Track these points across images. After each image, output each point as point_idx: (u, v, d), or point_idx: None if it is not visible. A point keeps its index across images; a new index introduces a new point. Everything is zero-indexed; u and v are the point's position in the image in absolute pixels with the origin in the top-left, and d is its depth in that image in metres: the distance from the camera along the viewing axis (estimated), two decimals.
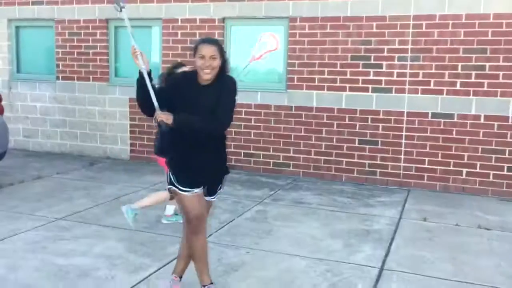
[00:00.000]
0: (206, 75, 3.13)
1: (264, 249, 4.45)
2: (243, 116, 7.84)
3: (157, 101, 3.11)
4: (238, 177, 7.44)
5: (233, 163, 7.99)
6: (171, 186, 3.27)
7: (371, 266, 4.09)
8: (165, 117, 3.05)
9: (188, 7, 8.00)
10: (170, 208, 5.17)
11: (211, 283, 3.41)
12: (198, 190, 3.22)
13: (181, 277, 3.56)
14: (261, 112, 7.65)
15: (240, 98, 8.35)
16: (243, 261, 4.16)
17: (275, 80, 7.78)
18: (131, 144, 8.69)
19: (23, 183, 6.70)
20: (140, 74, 3.12)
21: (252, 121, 7.78)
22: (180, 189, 3.20)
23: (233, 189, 6.70)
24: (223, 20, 7.86)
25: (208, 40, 3.24)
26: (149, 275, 3.83)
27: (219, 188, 3.44)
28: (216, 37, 7.89)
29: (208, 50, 3.09)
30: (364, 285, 3.73)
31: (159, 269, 3.95)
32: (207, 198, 3.36)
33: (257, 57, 5.01)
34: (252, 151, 7.83)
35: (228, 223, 5.21)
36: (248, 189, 6.70)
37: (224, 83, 3.23)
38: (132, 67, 8.51)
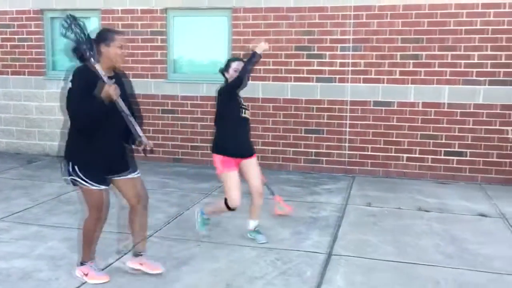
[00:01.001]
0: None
1: (214, 241, 4.43)
2: (188, 108, 7.76)
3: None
4: (185, 170, 7.37)
5: (180, 156, 7.91)
6: None
7: (319, 252, 4.18)
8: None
9: None
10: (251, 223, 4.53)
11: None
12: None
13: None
14: (207, 104, 7.59)
15: (185, 90, 8.31)
16: (193, 254, 4.12)
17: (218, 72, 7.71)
18: None
19: None
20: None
21: (198, 113, 7.71)
22: None
23: (180, 182, 6.63)
24: (165, 10, 7.71)
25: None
26: None
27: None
28: (159, 28, 7.75)
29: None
30: (313, 271, 3.80)
31: (105, 267, 3.84)
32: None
33: None
34: (198, 144, 7.76)
35: (176, 217, 5.15)
36: (196, 182, 6.64)
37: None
38: (68, 59, 8.21)
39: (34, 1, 8.12)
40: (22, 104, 8.45)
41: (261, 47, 4.10)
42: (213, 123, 4.40)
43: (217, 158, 4.17)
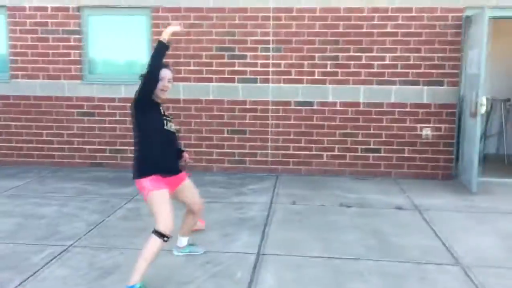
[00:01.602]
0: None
1: (139, 247, 4.25)
2: (107, 110, 7.45)
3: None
4: (105, 174, 7.07)
5: (98, 160, 7.57)
6: None
7: (249, 253, 4.19)
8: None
9: None
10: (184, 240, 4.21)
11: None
12: None
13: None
14: (126, 106, 7.33)
15: (103, 92, 7.97)
16: (118, 263, 3.96)
17: (138, 72, 7.49)
18: None
19: None
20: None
21: (117, 116, 7.43)
22: None
23: (99, 188, 6.35)
24: (78, 9, 7.34)
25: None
26: None
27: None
28: (71, 27, 7.37)
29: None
30: (243, 272, 3.80)
31: (23, 281, 3.57)
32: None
33: None
34: (118, 147, 7.48)
35: (97, 224, 4.92)
36: (117, 187, 6.39)
37: None
38: None
39: None
40: None
41: (166, 32, 3.44)
42: (131, 125, 3.96)
43: (143, 181, 3.47)
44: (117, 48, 7.54)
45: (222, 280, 3.65)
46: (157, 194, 3.44)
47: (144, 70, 3.43)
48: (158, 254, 3.42)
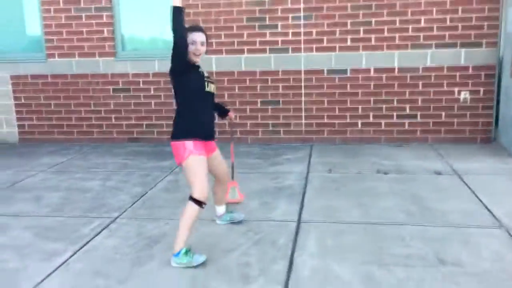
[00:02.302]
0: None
1: None
2: (141, 86, 7.58)
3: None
4: (143, 149, 7.24)
5: (135, 135, 7.75)
6: None
7: (289, 221, 4.27)
8: None
9: None
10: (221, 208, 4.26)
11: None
12: None
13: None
14: (160, 81, 7.44)
15: (136, 68, 8.08)
16: (164, 232, 4.10)
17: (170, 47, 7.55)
18: (19, 126, 8.01)
19: None
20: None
21: (152, 91, 7.55)
22: None
23: (139, 162, 6.52)
24: None
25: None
26: (66, 260, 3.62)
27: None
28: (103, 4, 7.45)
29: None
30: (285, 238, 3.88)
31: (75, 252, 3.75)
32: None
33: None
34: (154, 122, 7.62)
35: (141, 196, 5.08)
36: (156, 160, 6.54)
37: None
38: (10, 39, 7.77)
39: None
40: None
41: None
42: (169, 100, 4.00)
43: (185, 143, 3.46)
44: (148, 24, 7.60)
45: (265, 247, 3.74)
46: (197, 158, 3.45)
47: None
48: (197, 220, 3.50)
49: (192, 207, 3.45)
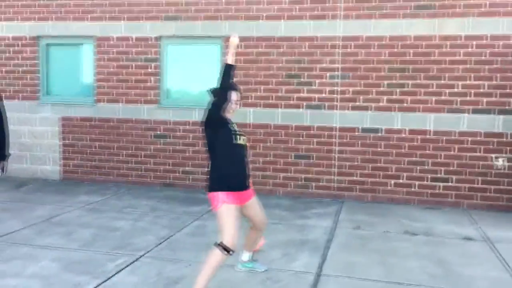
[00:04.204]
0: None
1: (202, 261, 4.47)
2: (180, 133, 7.88)
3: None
4: (176, 194, 7.43)
5: (171, 180, 7.98)
6: None
7: (308, 272, 4.25)
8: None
9: (124, 26, 8.00)
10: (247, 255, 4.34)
11: None
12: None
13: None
14: (198, 129, 7.72)
15: (177, 116, 8.39)
16: (184, 275, 4.17)
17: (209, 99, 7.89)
18: (64, 164, 8.43)
19: None
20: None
21: (190, 138, 7.83)
22: None
23: (171, 206, 6.69)
24: (159, 38, 7.92)
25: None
26: None
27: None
28: (152, 55, 7.94)
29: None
30: None
31: (98, 285, 3.88)
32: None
33: None
34: (189, 168, 7.85)
35: (167, 238, 5.20)
36: (187, 205, 6.70)
37: None
38: (63, 84, 8.35)
39: (31, 27, 8.32)
40: (14, 129, 8.53)
41: (229, 53, 3.74)
42: (203, 148, 4.17)
43: (212, 195, 3.66)
44: (191, 76, 8.01)
45: None
46: (228, 207, 3.59)
47: (213, 88, 3.72)
48: (220, 268, 3.57)
49: (218, 253, 3.53)
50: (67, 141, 8.37)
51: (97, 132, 8.24)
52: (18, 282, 3.91)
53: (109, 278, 4.03)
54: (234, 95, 3.78)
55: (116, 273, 4.15)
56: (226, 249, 3.52)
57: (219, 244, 3.54)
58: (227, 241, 3.53)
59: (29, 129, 8.49)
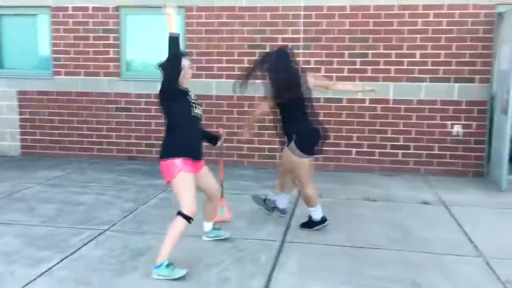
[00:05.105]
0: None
1: None
2: (143, 106, 7.78)
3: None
4: (140, 167, 7.38)
5: (134, 154, 7.90)
6: None
7: (273, 240, 4.35)
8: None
9: None
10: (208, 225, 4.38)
11: None
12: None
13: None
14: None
15: (139, 88, 8.24)
16: (149, 246, 4.19)
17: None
18: (22, 140, 8.19)
19: None
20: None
21: (152, 111, 7.73)
22: None
23: (135, 179, 6.65)
24: (117, 8, 7.69)
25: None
26: (52, 267, 3.72)
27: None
28: (111, 26, 7.72)
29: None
30: (267, 257, 3.96)
31: (62, 260, 3.85)
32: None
33: None
34: (153, 141, 7.77)
35: (132, 211, 5.19)
36: (151, 178, 6.66)
37: None
38: (19, 57, 8.04)
39: None
40: None
41: (169, 24, 3.57)
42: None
43: (174, 161, 3.61)
44: (152, 46, 7.85)
45: (246, 264, 3.83)
46: (186, 176, 3.60)
47: (162, 61, 3.62)
48: (182, 236, 3.61)
49: (180, 222, 3.58)
50: (24, 116, 8.12)
51: (56, 106, 8.02)
52: None
53: (73, 253, 4.01)
54: (185, 61, 3.73)
55: (80, 247, 4.13)
56: (186, 217, 3.57)
57: (178, 213, 3.58)
58: (187, 210, 3.58)
59: None
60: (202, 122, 3.91)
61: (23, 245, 4.18)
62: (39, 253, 3.99)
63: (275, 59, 4.47)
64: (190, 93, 3.82)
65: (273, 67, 4.43)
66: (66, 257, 3.91)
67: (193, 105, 3.77)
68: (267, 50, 5.12)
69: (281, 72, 4.40)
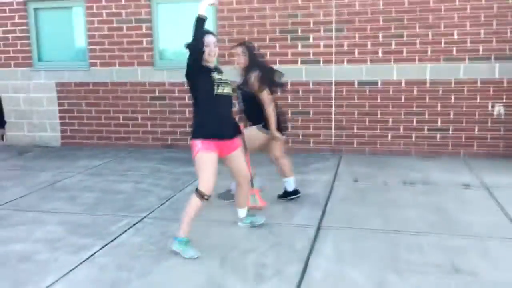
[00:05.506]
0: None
1: (207, 219, 4.56)
2: (176, 94, 7.85)
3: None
4: (176, 155, 7.48)
5: (170, 142, 8.01)
6: None
7: (309, 226, 4.34)
8: None
9: None
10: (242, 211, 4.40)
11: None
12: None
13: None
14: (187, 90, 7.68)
15: (172, 77, 8.33)
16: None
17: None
18: (62, 130, 8.43)
19: None
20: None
21: (186, 99, 7.79)
22: None
23: (171, 167, 6.74)
24: None
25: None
26: (93, 254, 3.83)
27: None
28: (143, 16, 7.79)
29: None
30: (303, 242, 3.96)
31: (103, 247, 3.96)
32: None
33: None
34: (188, 129, 7.85)
35: (169, 198, 5.28)
36: (187, 166, 6.74)
37: None
38: (56, 50, 8.23)
39: None
40: (9, 96, 8.48)
41: (200, 7, 3.65)
42: None
43: (196, 142, 3.75)
44: (185, 35, 7.84)
45: (283, 250, 3.83)
46: (204, 155, 3.72)
47: (187, 42, 3.68)
48: (199, 212, 3.77)
49: (196, 199, 3.74)
50: (63, 107, 8.35)
51: (93, 97, 8.20)
52: (24, 247, 3.99)
53: (113, 240, 4.12)
54: (210, 38, 3.76)
55: (120, 234, 4.23)
56: (202, 195, 3.69)
57: (196, 190, 3.72)
58: (202, 187, 3.71)
59: (24, 96, 8.44)
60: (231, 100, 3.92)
61: (66, 232, 4.32)
62: (81, 240, 4.11)
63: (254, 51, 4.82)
64: (215, 72, 3.82)
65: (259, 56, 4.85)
66: (107, 244, 4.02)
67: (217, 84, 3.76)
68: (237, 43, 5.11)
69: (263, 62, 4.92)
